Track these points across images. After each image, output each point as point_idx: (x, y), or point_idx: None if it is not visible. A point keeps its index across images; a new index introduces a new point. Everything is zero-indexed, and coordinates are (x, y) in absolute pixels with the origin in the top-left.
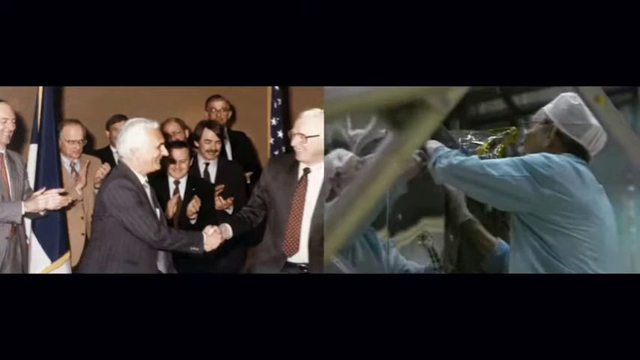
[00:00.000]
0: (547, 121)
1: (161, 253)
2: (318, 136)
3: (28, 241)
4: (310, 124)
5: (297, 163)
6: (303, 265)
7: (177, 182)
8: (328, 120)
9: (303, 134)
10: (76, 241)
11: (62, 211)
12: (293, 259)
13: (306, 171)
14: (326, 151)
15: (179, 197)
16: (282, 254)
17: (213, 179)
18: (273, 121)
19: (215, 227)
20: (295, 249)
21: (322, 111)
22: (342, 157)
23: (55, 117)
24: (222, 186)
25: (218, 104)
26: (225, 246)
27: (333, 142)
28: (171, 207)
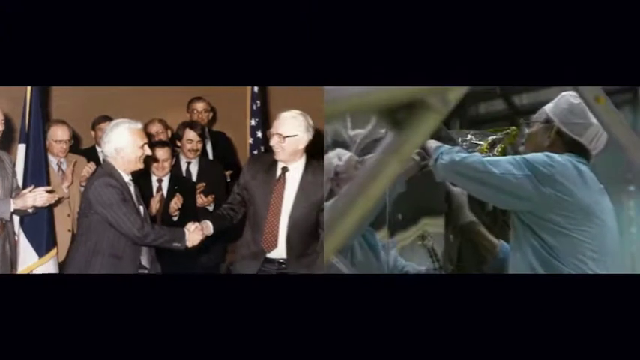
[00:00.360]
0: (548, 121)
1: (144, 249)
2: (295, 136)
3: (16, 238)
4: (288, 125)
5: (275, 162)
6: (281, 261)
7: (160, 181)
8: (328, 120)
9: (281, 134)
10: (63, 237)
11: (49, 209)
12: (272, 255)
13: (284, 170)
14: (326, 151)
15: (162, 195)
16: (261, 250)
17: (194, 178)
18: (253, 122)
19: (196, 224)
20: (274, 245)
21: (300, 112)
22: (341, 156)
23: (43, 118)
24: (204, 184)
25: (199, 105)
26: (206, 242)
27: (333, 143)
28: (154, 204)
